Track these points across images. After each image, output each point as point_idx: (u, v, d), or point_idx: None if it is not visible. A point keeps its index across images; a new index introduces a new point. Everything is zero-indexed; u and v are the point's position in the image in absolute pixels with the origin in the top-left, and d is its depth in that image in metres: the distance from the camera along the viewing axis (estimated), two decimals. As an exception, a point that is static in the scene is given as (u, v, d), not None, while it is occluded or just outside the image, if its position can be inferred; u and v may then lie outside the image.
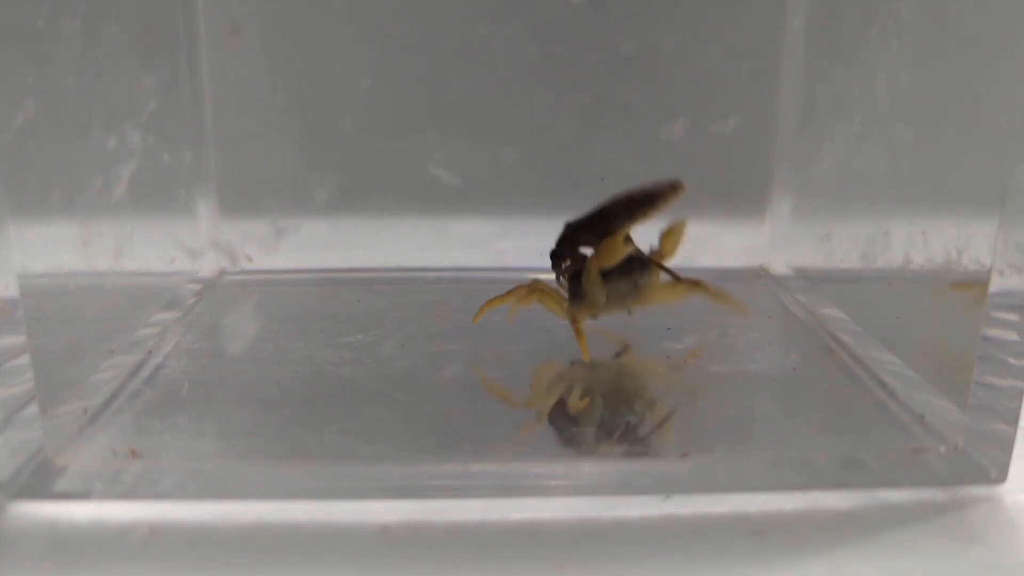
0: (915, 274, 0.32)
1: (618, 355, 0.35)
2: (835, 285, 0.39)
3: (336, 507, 0.26)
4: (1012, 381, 0.26)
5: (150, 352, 0.34)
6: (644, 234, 0.35)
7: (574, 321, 0.34)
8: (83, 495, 0.26)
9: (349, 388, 0.32)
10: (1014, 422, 0.27)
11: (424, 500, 0.26)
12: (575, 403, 0.31)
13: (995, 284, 0.26)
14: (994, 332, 0.26)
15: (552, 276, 0.35)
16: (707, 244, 0.44)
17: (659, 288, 0.35)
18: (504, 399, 0.32)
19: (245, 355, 0.35)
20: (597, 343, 0.35)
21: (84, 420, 0.29)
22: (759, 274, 0.44)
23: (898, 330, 0.33)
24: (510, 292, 0.35)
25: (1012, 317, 0.26)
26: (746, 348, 0.35)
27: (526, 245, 0.44)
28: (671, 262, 0.36)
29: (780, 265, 0.44)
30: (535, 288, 0.35)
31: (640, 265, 0.34)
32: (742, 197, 0.44)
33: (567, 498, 0.27)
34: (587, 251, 0.34)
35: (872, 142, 0.35)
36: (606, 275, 0.33)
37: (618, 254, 0.33)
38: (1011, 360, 0.26)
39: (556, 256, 0.35)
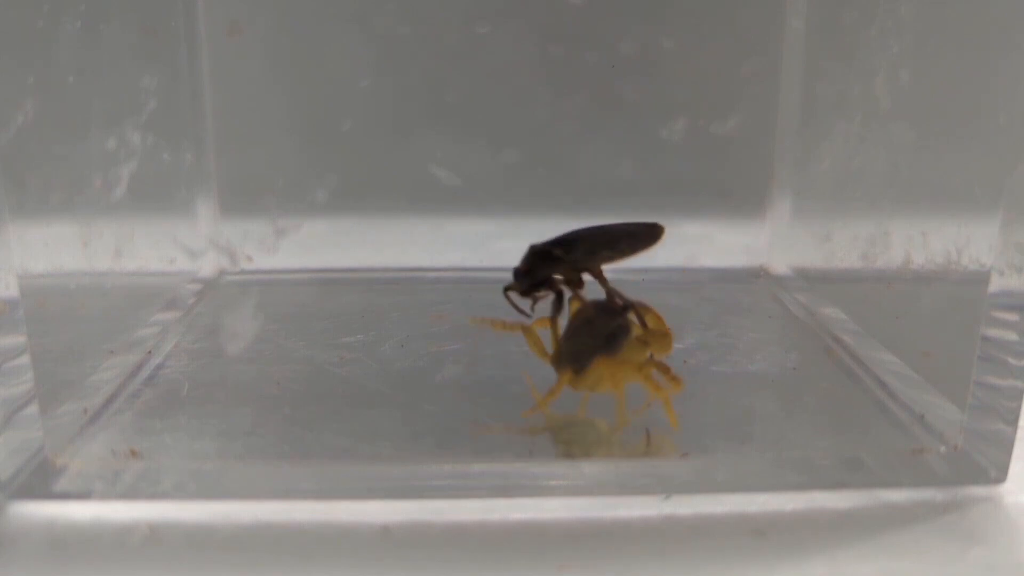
0: (915, 274, 0.32)
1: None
2: (835, 285, 0.39)
3: (336, 507, 0.26)
4: (1012, 381, 0.26)
5: (150, 352, 0.34)
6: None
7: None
8: (83, 495, 0.26)
9: (349, 388, 0.32)
10: (1014, 422, 0.27)
11: (424, 500, 0.26)
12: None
13: (995, 284, 0.26)
14: (994, 332, 0.26)
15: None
16: (707, 244, 0.44)
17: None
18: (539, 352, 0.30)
19: (245, 355, 0.35)
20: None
21: (84, 420, 0.29)
22: (759, 274, 0.44)
23: (898, 330, 0.33)
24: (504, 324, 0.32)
25: (1012, 317, 0.26)
26: (746, 348, 0.35)
27: (526, 245, 0.44)
28: None
29: (780, 265, 0.44)
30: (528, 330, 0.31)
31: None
32: (742, 197, 0.44)
33: (567, 498, 0.27)
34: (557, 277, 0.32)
35: (872, 142, 0.35)
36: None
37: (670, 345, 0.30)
38: (1011, 360, 0.26)
39: (523, 276, 0.31)
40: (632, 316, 0.30)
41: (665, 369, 0.29)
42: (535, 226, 0.43)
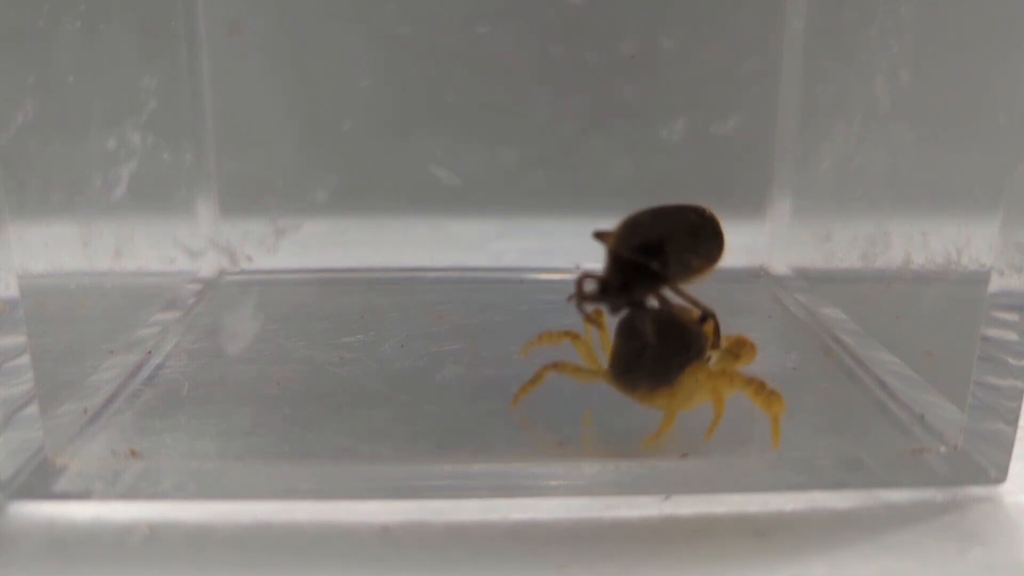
0: (915, 274, 0.32)
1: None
2: (835, 285, 0.39)
3: (336, 507, 0.26)
4: (1012, 381, 0.26)
5: (150, 352, 0.34)
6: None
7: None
8: (83, 495, 0.26)
9: (349, 388, 0.32)
10: (1014, 422, 0.27)
11: (424, 500, 0.26)
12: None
13: (995, 284, 0.26)
14: (994, 332, 0.26)
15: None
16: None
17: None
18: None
19: (245, 355, 0.35)
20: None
21: (84, 420, 0.29)
22: (759, 274, 0.44)
23: (898, 330, 0.33)
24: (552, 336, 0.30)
25: (1012, 317, 0.26)
26: (746, 348, 0.35)
27: (526, 245, 0.44)
28: None
29: (780, 265, 0.44)
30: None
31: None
32: (742, 197, 0.44)
33: (567, 498, 0.27)
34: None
35: (872, 142, 0.35)
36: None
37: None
38: (1011, 360, 0.26)
39: (617, 294, 0.26)
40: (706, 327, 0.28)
41: (753, 383, 0.27)
42: (535, 226, 0.44)
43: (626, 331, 0.28)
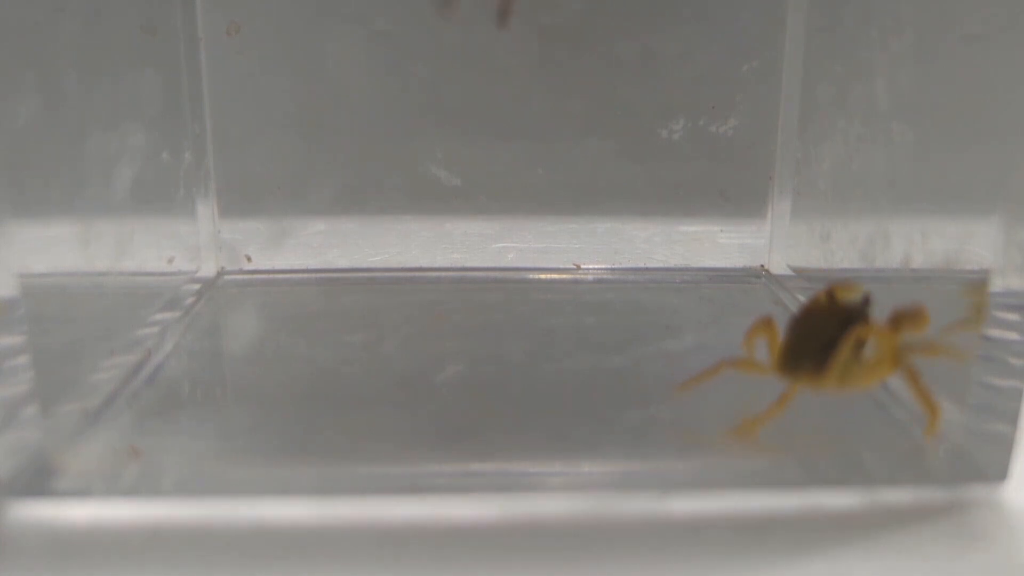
0: (915, 274, 0.32)
1: None
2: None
3: (336, 506, 0.26)
4: (1012, 381, 0.26)
5: (150, 352, 0.34)
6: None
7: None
8: (83, 495, 0.26)
9: (349, 388, 0.32)
10: (1014, 422, 0.27)
11: (424, 499, 0.26)
12: None
13: (995, 284, 0.26)
14: (994, 332, 0.26)
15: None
16: (707, 244, 0.44)
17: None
18: None
19: (245, 355, 0.35)
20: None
21: (84, 420, 0.29)
22: (759, 274, 0.44)
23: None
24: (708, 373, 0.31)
25: (1012, 317, 0.26)
26: (746, 348, 0.35)
27: (526, 245, 0.44)
28: None
29: (780, 265, 0.44)
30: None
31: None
32: (742, 197, 0.44)
33: (567, 497, 0.27)
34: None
35: (872, 142, 0.35)
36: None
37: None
38: (1011, 360, 0.26)
39: None
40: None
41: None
42: (535, 226, 0.44)
43: (794, 325, 0.30)
